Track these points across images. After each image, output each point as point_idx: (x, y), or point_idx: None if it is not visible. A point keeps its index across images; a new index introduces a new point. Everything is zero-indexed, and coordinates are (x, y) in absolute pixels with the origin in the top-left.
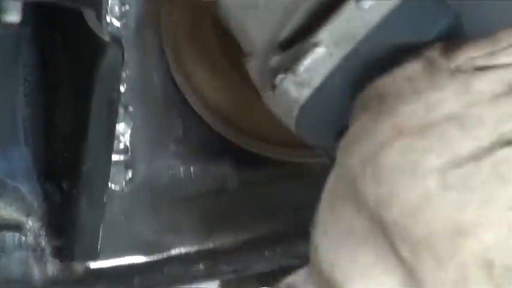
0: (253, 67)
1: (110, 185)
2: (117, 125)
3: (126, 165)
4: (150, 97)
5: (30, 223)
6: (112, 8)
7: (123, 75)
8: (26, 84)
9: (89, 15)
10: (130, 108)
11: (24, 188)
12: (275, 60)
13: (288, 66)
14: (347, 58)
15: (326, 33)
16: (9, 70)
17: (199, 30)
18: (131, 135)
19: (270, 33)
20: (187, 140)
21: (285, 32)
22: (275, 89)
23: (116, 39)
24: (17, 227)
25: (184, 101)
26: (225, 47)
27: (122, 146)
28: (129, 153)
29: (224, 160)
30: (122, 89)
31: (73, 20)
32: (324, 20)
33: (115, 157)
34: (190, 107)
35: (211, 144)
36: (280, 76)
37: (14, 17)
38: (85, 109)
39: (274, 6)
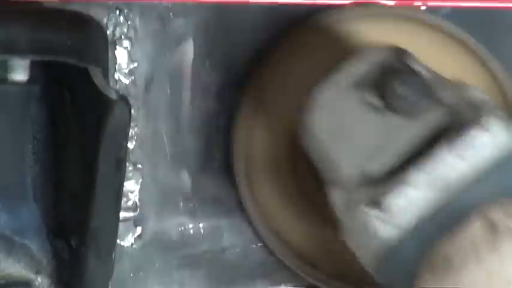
0: (335, 197)
1: (118, 242)
2: (125, 182)
3: (135, 222)
4: (159, 154)
5: (40, 280)
6: (120, 66)
7: (132, 132)
8: (35, 142)
9: (95, 72)
10: (139, 166)
11: (33, 245)
12: (362, 192)
13: (376, 202)
14: (439, 204)
15: (420, 175)
16: (18, 128)
17: (276, 159)
18: (140, 192)
19: (359, 165)
20: (196, 196)
21: (375, 166)
22: (358, 221)
23: (123, 97)
24: (26, 284)
25: (191, 157)
26: (300, 180)
27: (130, 203)
28: (138, 210)
29: (234, 216)
30: (131, 146)
31: (81, 77)
32: (417, 161)
33: (124, 214)
34: (198, 162)
35: (220, 200)
36: (366, 210)
37: (21, 75)
38: (93, 167)
39: (365, 140)
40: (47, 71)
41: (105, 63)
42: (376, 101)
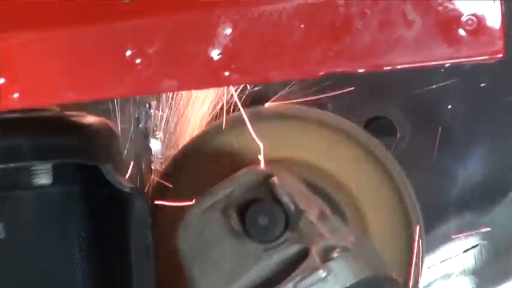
0: None
1: None
2: None
3: None
4: None
5: None
6: (156, 155)
7: None
8: (81, 239)
9: (106, 169)
10: None
11: None
12: None
13: None
14: None
15: None
16: (63, 227)
17: None
18: None
19: None
20: None
21: None
22: None
23: (138, 190)
24: None
25: None
26: None
27: None
28: None
29: None
30: None
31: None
32: None
33: None
34: None
35: None
36: None
37: (44, 180)
38: (127, 256)
39: (222, 265)
40: (85, 170)
41: (117, 159)
42: (237, 226)
